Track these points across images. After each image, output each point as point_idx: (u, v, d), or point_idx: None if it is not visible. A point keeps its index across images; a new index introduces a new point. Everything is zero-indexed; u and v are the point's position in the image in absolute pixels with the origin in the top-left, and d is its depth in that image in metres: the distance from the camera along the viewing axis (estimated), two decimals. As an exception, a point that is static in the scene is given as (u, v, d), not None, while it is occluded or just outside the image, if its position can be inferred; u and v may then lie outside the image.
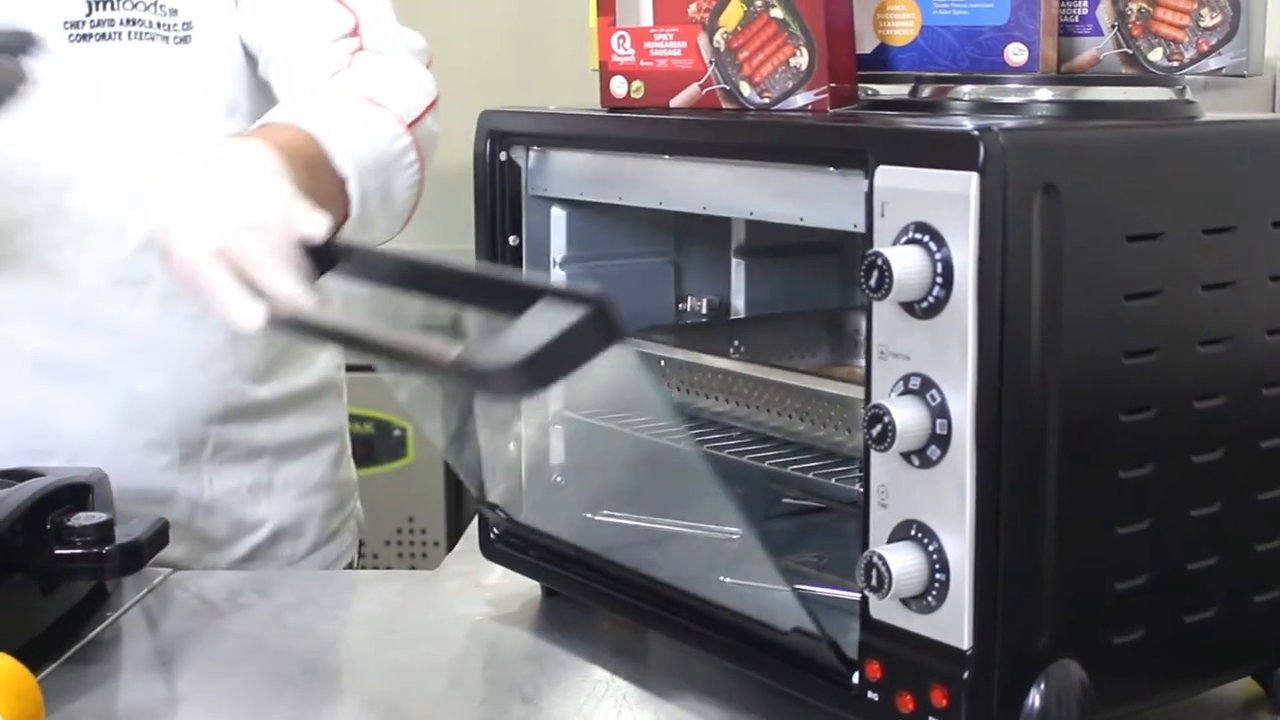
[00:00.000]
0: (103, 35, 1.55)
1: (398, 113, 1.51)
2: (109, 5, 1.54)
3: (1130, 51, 1.22)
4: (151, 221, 1.24)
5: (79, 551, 1.38)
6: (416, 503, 3.25)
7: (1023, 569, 1.06)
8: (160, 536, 1.45)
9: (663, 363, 1.40)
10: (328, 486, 1.80)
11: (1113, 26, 1.22)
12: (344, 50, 1.57)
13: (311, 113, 1.45)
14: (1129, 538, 1.11)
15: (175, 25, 1.58)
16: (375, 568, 3.19)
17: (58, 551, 1.37)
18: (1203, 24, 1.19)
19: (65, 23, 1.55)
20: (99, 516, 1.40)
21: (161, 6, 1.57)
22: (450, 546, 2.72)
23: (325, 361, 1.78)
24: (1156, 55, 1.21)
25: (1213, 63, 1.19)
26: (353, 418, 1.91)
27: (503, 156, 1.41)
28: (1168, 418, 1.12)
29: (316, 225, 1.22)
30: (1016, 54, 1.21)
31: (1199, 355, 1.13)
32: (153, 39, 1.57)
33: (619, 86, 1.34)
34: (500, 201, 1.42)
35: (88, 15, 1.55)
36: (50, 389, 1.62)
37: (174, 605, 1.50)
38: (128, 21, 1.55)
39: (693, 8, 1.28)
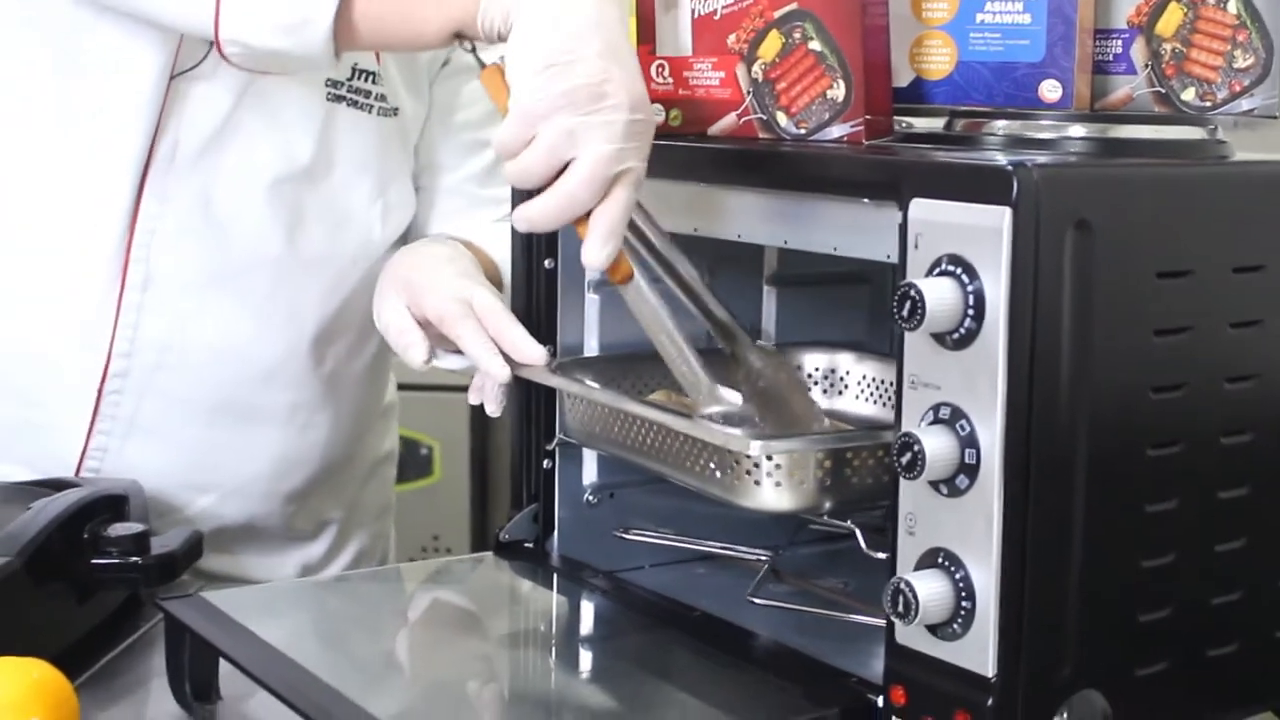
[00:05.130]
0: (354, 102, 1.62)
1: None
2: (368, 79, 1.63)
3: (1163, 91, 1.23)
4: None
5: (115, 561, 1.40)
6: (442, 521, 3.26)
7: (1048, 599, 1.07)
8: (195, 549, 1.46)
9: (569, 398, 1.43)
10: (388, 509, 1.86)
11: (1146, 66, 1.24)
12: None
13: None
14: (1154, 571, 1.12)
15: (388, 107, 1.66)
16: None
17: (94, 561, 1.39)
18: (1236, 65, 1.20)
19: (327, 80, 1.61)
20: (135, 527, 1.42)
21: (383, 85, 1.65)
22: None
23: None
24: (1189, 95, 1.23)
25: (1245, 103, 1.21)
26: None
27: (540, 180, 1.43)
28: (1194, 453, 1.13)
29: None
30: (1051, 90, 1.23)
31: (1226, 392, 1.14)
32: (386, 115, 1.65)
33: (657, 114, 1.35)
34: (537, 225, 1.43)
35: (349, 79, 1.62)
36: (222, 431, 1.63)
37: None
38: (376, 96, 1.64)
39: (732, 38, 1.30)
